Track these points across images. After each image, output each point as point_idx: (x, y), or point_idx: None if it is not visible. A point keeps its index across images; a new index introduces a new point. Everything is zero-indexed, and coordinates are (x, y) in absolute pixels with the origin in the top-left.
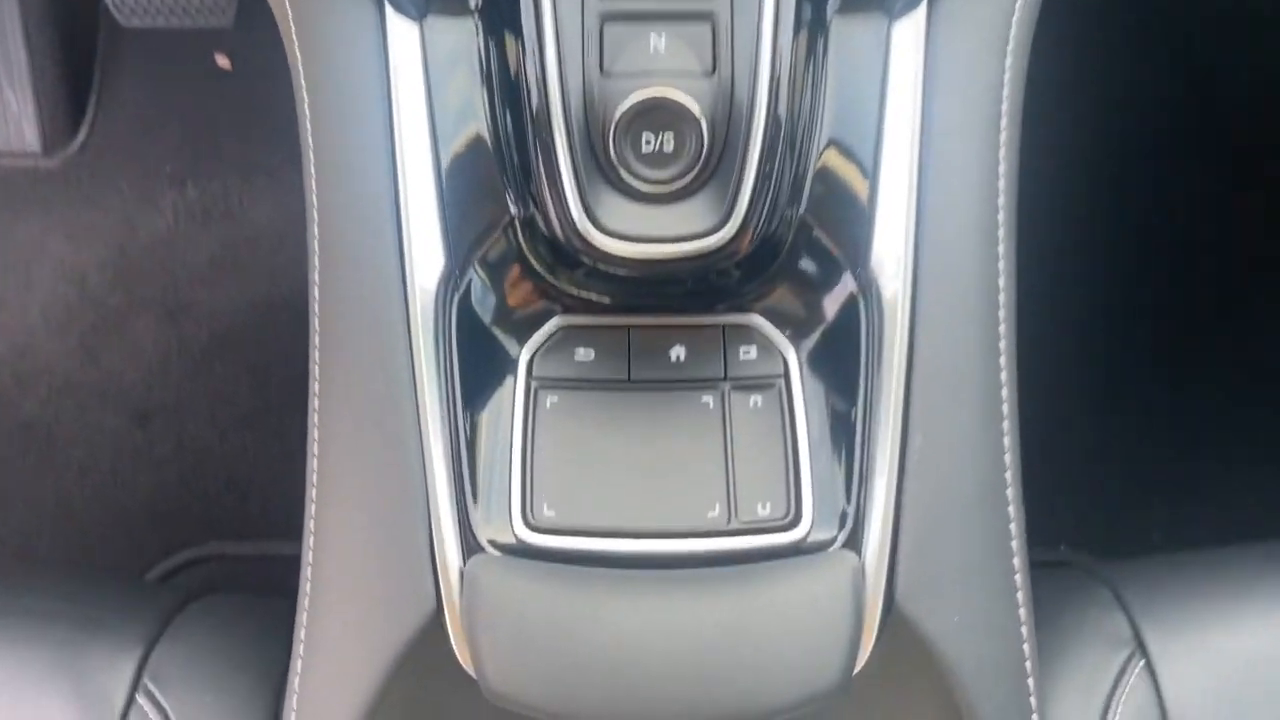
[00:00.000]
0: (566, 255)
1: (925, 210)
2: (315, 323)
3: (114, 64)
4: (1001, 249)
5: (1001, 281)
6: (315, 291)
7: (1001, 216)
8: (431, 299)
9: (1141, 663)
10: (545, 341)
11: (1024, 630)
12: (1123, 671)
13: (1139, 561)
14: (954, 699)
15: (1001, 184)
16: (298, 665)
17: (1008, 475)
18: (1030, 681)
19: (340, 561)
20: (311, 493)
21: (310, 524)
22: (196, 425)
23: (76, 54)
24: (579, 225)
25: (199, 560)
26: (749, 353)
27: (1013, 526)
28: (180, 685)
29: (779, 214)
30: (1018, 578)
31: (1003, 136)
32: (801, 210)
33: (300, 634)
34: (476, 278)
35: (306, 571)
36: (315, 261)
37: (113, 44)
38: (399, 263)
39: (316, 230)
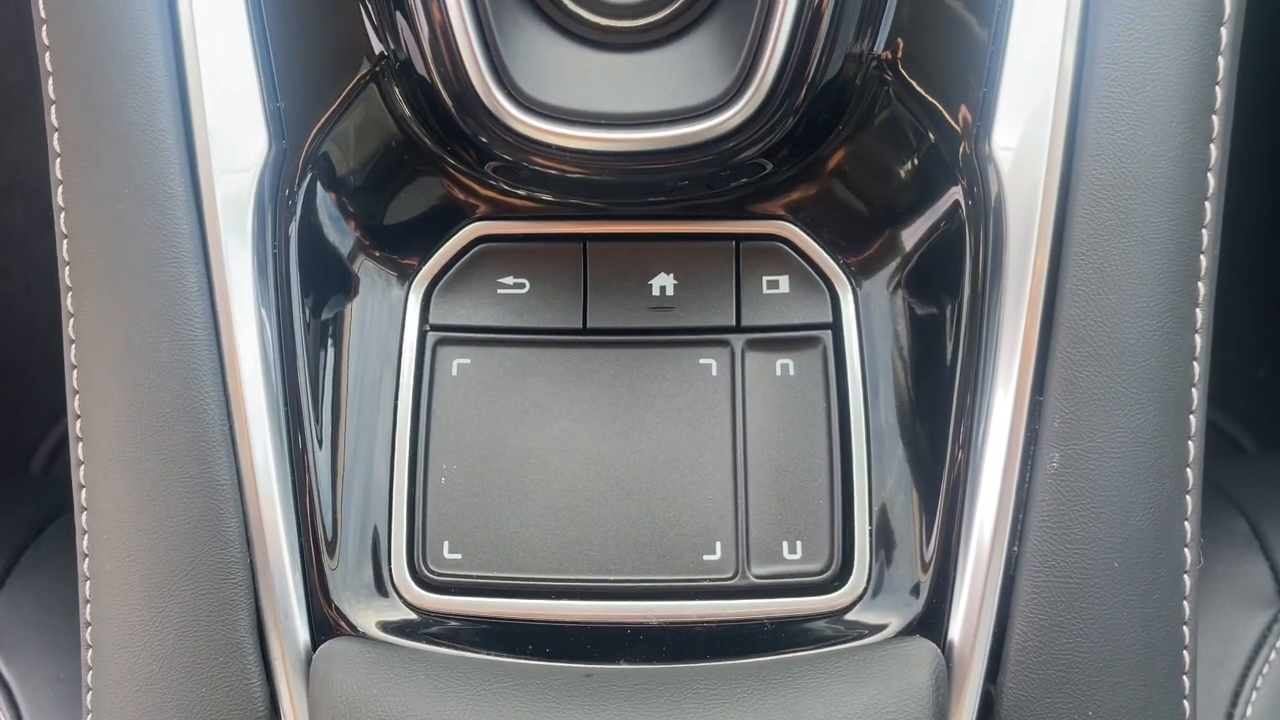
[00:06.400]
0: (468, 137)
1: (1094, 51)
2: (65, 273)
3: None
4: (1216, 142)
5: (1210, 198)
6: (62, 221)
7: (1221, 86)
8: (246, 202)
9: None
10: (449, 266)
11: None
12: (1264, 638)
13: None
14: None
15: (1225, 34)
16: None
17: (1187, 525)
18: None
19: (122, 646)
20: (83, 542)
21: (85, 587)
22: None
23: None
24: (479, 88)
25: None
26: (778, 286)
27: (1186, 603)
28: (23, 650)
29: (837, 55)
30: (1185, 678)
31: None
32: (878, 47)
33: None
34: (323, 163)
35: (87, 655)
36: (56, 171)
37: None
38: (183, 147)
39: (52, 92)
